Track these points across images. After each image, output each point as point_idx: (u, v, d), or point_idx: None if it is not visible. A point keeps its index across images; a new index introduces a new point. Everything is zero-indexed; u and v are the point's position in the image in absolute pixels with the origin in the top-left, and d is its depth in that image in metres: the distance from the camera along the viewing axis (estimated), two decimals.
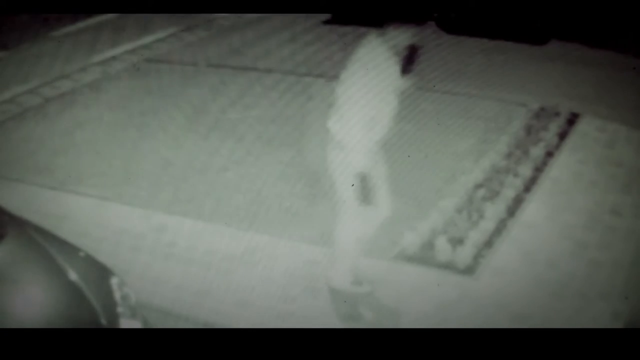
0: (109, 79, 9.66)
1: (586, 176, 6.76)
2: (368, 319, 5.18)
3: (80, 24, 11.51)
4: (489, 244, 5.85)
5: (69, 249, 4.30)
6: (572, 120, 7.78)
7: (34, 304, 3.90)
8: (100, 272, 4.23)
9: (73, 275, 4.04)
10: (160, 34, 11.28)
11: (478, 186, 6.59)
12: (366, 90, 4.70)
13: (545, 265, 5.56)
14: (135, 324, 4.06)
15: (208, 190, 6.80)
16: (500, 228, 6.03)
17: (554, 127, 7.63)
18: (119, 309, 4.04)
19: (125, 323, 4.00)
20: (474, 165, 6.96)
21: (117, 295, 4.10)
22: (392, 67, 4.79)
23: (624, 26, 9.70)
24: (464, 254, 5.68)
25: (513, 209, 6.28)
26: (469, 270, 5.57)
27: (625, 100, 8.16)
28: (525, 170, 6.80)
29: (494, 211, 6.19)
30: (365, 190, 4.80)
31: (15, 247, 4.13)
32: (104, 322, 3.89)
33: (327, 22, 11.45)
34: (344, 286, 5.17)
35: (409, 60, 4.85)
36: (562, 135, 7.47)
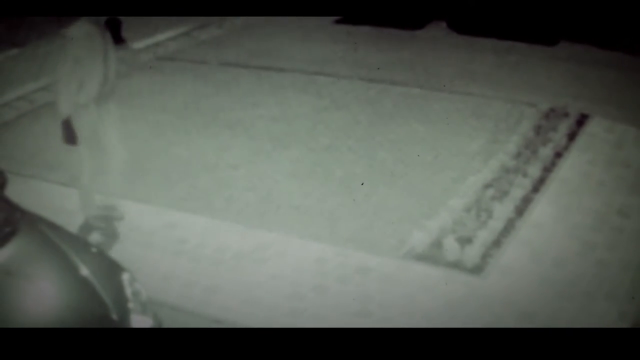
0: (120, 77, 9.68)
1: (594, 177, 6.77)
2: None
3: None
4: (497, 243, 5.87)
5: (81, 244, 4.35)
6: (581, 121, 7.80)
7: (45, 299, 3.93)
8: (112, 268, 4.27)
9: (85, 271, 4.08)
10: (172, 32, 11.33)
11: (487, 186, 6.61)
12: (80, 60, 5.69)
13: (552, 265, 5.58)
14: (146, 320, 4.09)
15: (219, 187, 6.84)
16: (508, 228, 6.06)
17: (563, 127, 7.65)
18: (130, 305, 4.07)
19: (136, 319, 4.04)
20: (483, 165, 6.98)
21: (128, 291, 4.13)
22: (103, 39, 5.74)
23: (633, 28, 9.71)
24: (472, 253, 5.70)
25: (521, 209, 6.30)
26: (477, 269, 5.59)
27: (634, 101, 8.18)
28: (534, 171, 6.82)
29: (502, 211, 6.22)
30: (69, 133, 5.81)
31: (27, 243, 4.17)
32: (114, 317, 3.92)
33: (338, 22, 11.50)
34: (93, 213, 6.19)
35: (115, 33, 5.57)
36: (571, 136, 7.49)
